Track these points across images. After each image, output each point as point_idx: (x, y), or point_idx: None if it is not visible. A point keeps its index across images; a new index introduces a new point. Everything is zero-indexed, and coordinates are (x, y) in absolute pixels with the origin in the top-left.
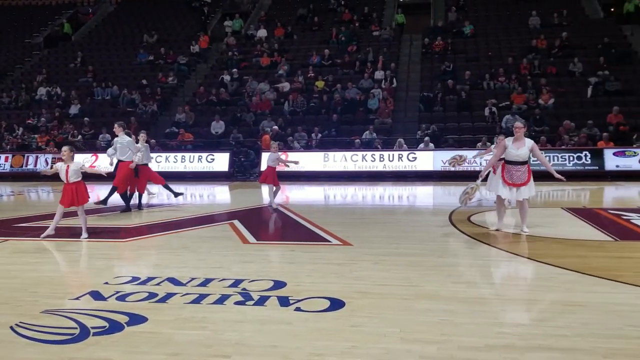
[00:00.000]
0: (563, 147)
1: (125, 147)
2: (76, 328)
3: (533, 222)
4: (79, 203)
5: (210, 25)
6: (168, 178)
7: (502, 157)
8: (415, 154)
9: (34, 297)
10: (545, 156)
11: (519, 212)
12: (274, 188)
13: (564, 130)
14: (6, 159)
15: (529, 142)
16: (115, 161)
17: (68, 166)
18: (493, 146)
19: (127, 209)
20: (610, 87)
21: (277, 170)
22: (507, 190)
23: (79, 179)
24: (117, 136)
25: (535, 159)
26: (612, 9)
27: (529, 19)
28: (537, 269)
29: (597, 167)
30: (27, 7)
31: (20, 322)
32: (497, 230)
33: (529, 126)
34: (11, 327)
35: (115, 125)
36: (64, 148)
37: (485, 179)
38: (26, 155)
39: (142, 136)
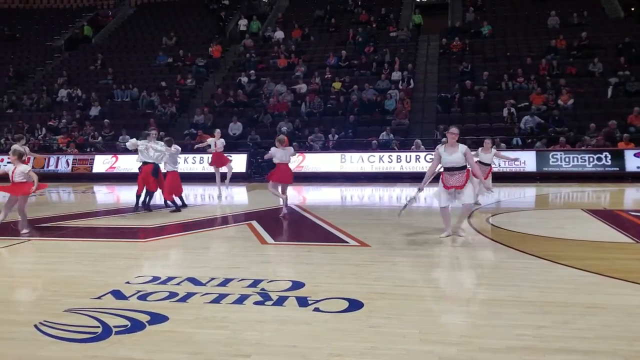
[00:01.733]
0: (583, 148)
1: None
2: (98, 327)
3: (553, 223)
4: (14, 192)
5: (228, 27)
6: (186, 179)
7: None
8: (432, 155)
9: (56, 296)
10: (565, 157)
11: (459, 212)
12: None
13: (610, 130)
14: (28, 160)
15: (462, 147)
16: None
17: (15, 168)
18: (480, 149)
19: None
20: (630, 87)
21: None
22: (446, 195)
23: (24, 180)
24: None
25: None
26: (633, 9)
27: (547, 19)
28: (557, 271)
29: (617, 169)
30: (48, 10)
31: (43, 321)
32: (447, 236)
33: (548, 127)
34: (35, 326)
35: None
36: (10, 152)
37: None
38: (48, 156)
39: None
